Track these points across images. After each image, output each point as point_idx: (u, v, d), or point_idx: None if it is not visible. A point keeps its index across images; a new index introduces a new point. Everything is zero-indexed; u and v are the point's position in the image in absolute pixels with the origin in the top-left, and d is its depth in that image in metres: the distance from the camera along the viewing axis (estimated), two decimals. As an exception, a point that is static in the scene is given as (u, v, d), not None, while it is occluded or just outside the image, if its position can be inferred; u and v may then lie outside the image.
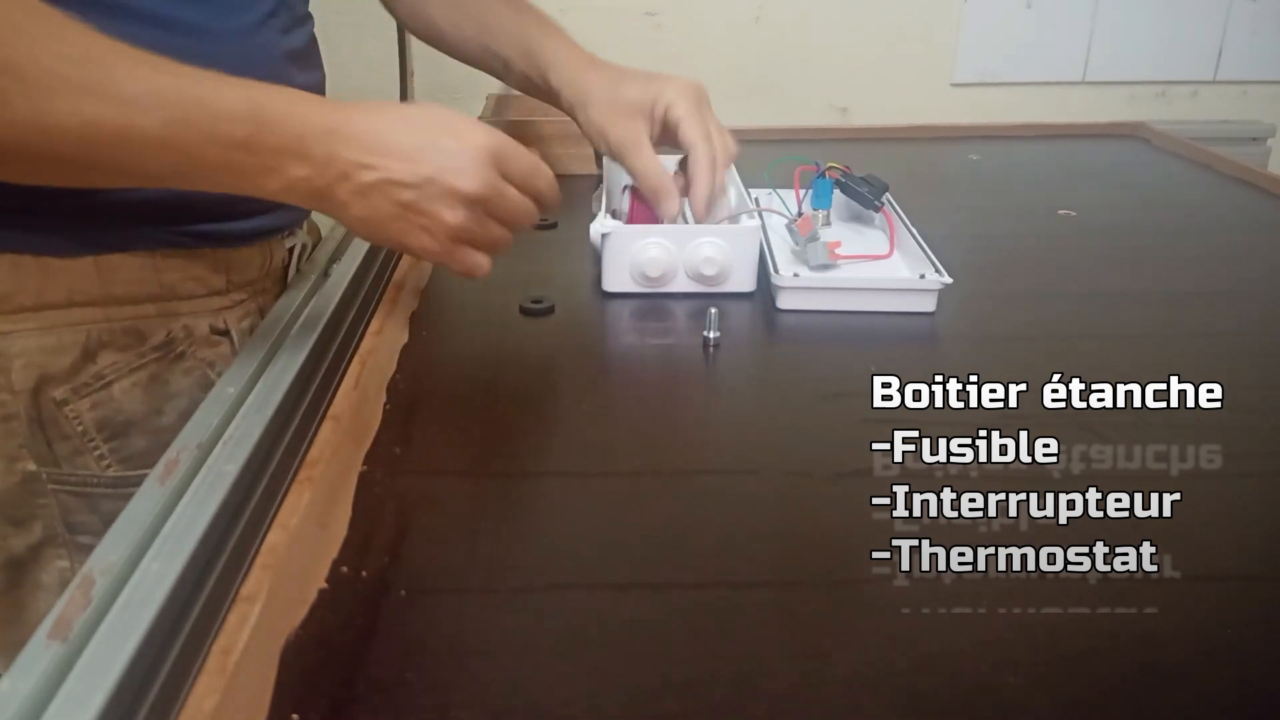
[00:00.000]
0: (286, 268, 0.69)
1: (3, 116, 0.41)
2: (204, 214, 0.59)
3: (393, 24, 1.39)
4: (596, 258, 0.67)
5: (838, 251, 0.67)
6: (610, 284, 0.66)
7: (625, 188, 0.71)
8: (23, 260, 0.54)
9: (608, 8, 1.43)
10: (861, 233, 0.76)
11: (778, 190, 0.78)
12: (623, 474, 0.47)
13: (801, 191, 0.77)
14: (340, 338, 0.62)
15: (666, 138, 0.69)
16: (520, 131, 0.95)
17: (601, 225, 0.66)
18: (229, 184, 0.48)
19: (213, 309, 0.62)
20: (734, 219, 0.67)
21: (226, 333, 0.62)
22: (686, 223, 0.68)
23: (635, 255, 0.65)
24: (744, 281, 0.66)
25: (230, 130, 0.46)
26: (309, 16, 0.69)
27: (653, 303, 0.67)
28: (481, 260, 0.55)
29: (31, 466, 0.58)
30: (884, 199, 0.74)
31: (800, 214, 0.73)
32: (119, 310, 0.57)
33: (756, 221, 0.66)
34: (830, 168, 0.76)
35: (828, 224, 0.76)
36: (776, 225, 0.75)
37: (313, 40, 0.70)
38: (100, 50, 0.43)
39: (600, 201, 0.72)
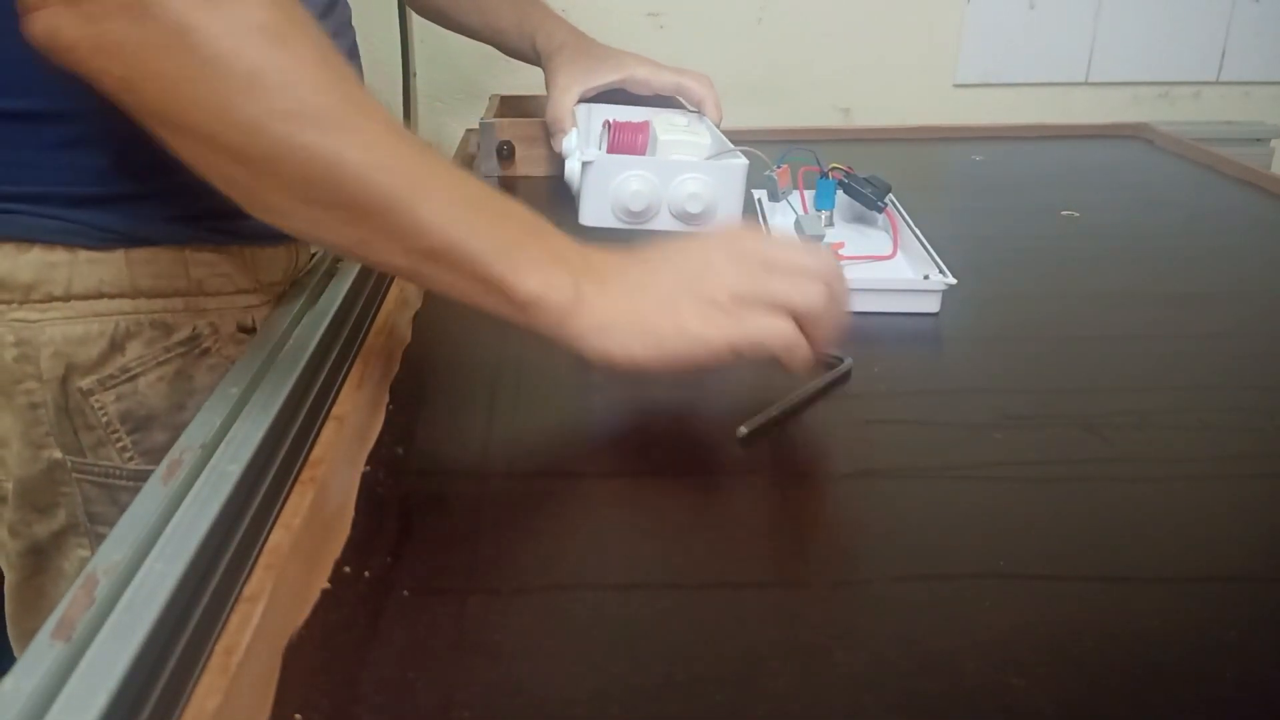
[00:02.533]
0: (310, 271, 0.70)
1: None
2: (234, 209, 0.60)
3: (395, 24, 1.40)
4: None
5: (841, 253, 0.67)
6: (588, 218, 0.62)
7: (605, 122, 0.68)
8: (54, 251, 0.55)
9: (609, 8, 1.43)
10: (865, 234, 0.76)
11: (784, 191, 0.78)
12: (624, 474, 0.47)
13: (805, 192, 0.77)
14: (344, 338, 0.62)
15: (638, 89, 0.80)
16: (521, 132, 0.95)
17: (582, 154, 0.62)
18: (483, 279, 0.45)
19: (240, 307, 0.62)
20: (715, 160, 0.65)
21: (254, 331, 0.63)
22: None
23: (617, 188, 0.61)
24: (729, 221, 0.63)
25: (504, 229, 0.45)
26: (352, 28, 0.71)
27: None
28: (787, 325, 0.46)
29: (57, 454, 0.58)
30: (887, 200, 0.74)
31: (781, 164, 0.71)
32: (147, 303, 0.58)
33: (743, 159, 0.64)
34: (833, 168, 0.76)
35: (830, 225, 0.76)
36: (781, 225, 0.75)
37: (354, 50, 0.72)
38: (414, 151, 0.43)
39: (572, 141, 0.70)
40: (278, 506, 0.43)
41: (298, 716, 0.32)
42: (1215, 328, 0.64)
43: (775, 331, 0.46)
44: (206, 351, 0.60)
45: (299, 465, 0.45)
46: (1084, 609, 0.38)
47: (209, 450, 0.47)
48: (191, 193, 0.58)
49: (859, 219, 0.78)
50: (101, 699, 0.31)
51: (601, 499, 0.45)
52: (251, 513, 0.44)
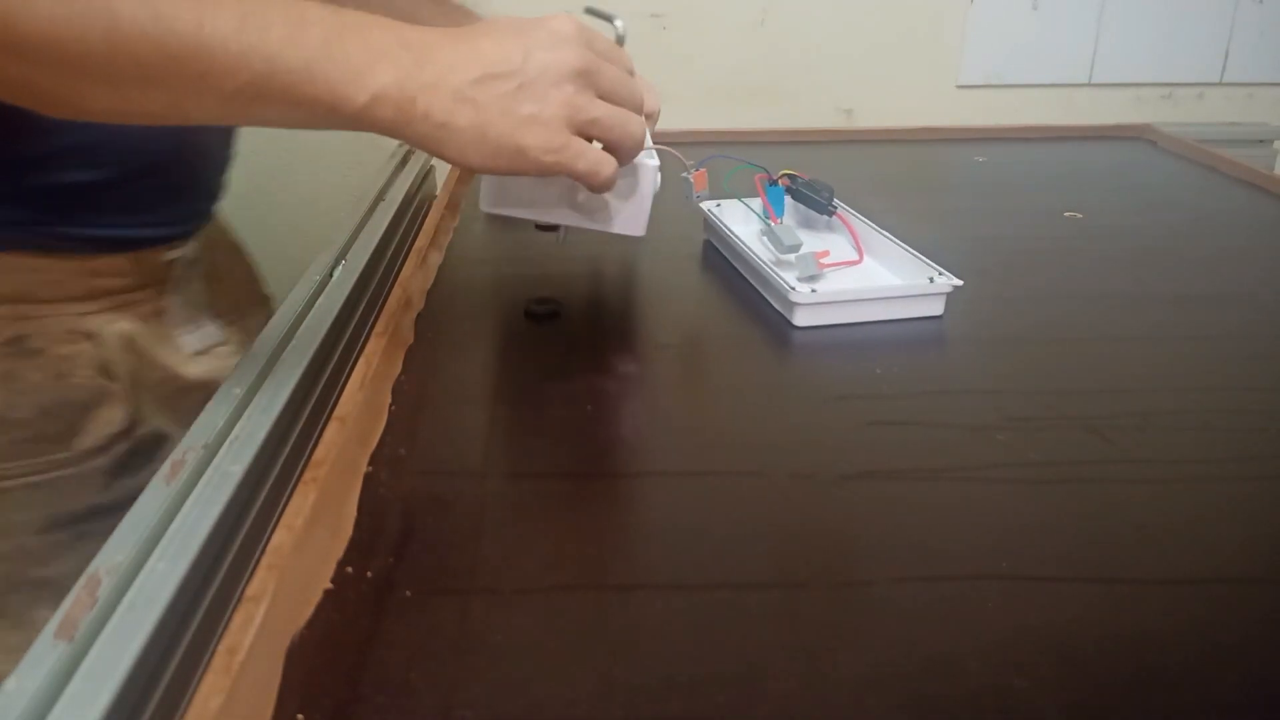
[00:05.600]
0: (167, 278, 0.65)
1: (69, 7, 0.38)
2: (64, 217, 0.57)
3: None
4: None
5: (824, 261, 0.67)
6: (486, 203, 0.60)
7: None
8: None
9: (613, 10, 1.43)
10: (822, 237, 0.74)
11: (744, 199, 0.76)
12: (627, 475, 0.47)
13: (755, 199, 0.75)
14: (346, 339, 0.62)
15: None
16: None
17: None
18: (310, 100, 0.43)
19: (74, 314, 0.59)
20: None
21: (91, 336, 0.60)
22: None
23: (515, 180, 0.58)
24: (631, 225, 0.59)
25: (310, 34, 0.42)
26: None
27: (665, 304, 0.67)
28: (604, 158, 0.50)
29: None
30: (834, 202, 0.73)
31: (698, 167, 0.69)
32: None
33: (654, 161, 0.59)
34: (783, 175, 0.75)
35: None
36: (745, 233, 0.74)
37: None
38: None
39: None
40: (280, 507, 0.43)
41: (300, 717, 0.32)
42: (1218, 329, 0.64)
43: (596, 162, 0.50)
44: (38, 351, 0.58)
45: (301, 466, 0.45)
46: (1087, 610, 0.38)
47: (211, 450, 0.47)
48: (17, 198, 0.55)
49: (805, 224, 0.76)
50: (104, 699, 0.31)
51: (603, 500, 0.45)
52: (254, 513, 0.44)
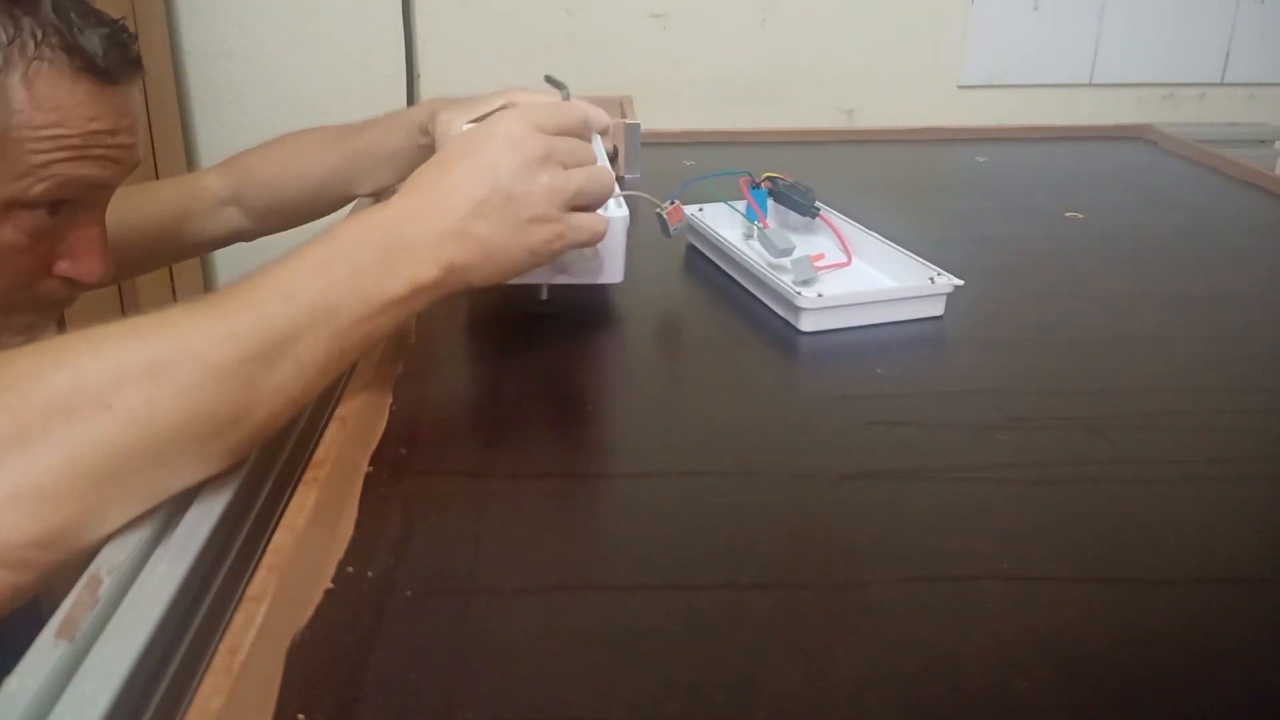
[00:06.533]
0: None
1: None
2: None
3: (399, 28, 1.40)
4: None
5: (819, 265, 0.66)
6: None
7: None
8: None
9: (614, 10, 1.43)
10: (803, 239, 0.73)
11: (731, 203, 0.76)
12: (627, 475, 0.47)
13: (745, 204, 0.75)
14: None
15: None
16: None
17: None
18: (374, 313, 0.47)
19: None
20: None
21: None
22: None
23: None
24: (611, 274, 0.61)
25: (335, 271, 0.46)
26: None
27: (658, 307, 0.67)
28: (592, 219, 0.54)
29: None
30: (816, 204, 0.73)
31: (673, 202, 0.69)
32: None
33: (623, 211, 0.60)
34: (765, 178, 0.74)
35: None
36: (731, 236, 0.73)
37: None
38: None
39: None
40: (281, 507, 0.43)
41: (301, 717, 0.32)
42: (1219, 329, 0.64)
43: (590, 228, 0.54)
44: None
45: (302, 466, 0.45)
46: (1088, 611, 0.38)
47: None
48: None
49: (787, 226, 0.76)
50: (105, 699, 0.31)
51: (604, 499, 0.45)
52: (255, 513, 0.44)
